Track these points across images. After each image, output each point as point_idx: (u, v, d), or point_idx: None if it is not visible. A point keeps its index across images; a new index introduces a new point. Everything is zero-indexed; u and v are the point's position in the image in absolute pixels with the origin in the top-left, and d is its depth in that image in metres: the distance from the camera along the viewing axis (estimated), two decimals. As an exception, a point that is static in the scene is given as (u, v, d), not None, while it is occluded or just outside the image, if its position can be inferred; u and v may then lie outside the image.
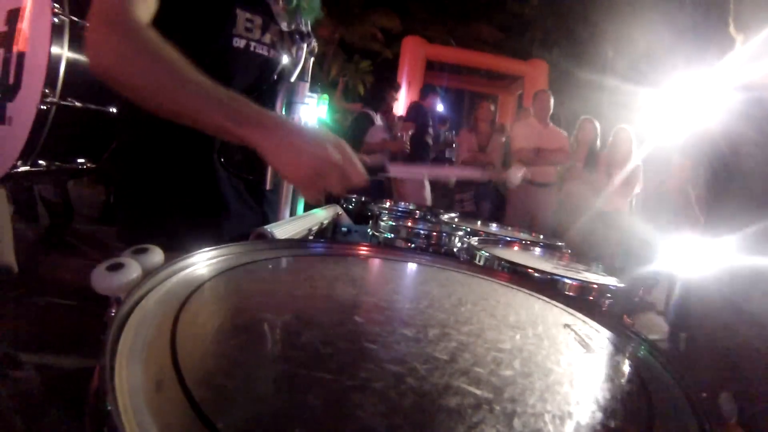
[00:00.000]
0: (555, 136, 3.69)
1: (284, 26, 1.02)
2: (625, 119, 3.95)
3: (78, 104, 1.26)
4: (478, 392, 0.33)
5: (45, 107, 1.19)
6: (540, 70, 8.91)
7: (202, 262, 0.51)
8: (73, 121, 1.29)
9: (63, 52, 1.21)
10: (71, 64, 1.24)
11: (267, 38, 0.99)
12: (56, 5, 1.18)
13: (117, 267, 0.43)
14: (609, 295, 0.78)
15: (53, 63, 1.20)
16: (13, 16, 1.26)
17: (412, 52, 8.01)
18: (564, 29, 11.08)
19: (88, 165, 1.41)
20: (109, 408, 0.23)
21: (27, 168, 1.24)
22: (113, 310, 0.33)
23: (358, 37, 11.55)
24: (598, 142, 3.65)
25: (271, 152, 0.68)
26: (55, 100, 1.19)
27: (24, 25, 1.24)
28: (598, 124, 3.66)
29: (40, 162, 1.26)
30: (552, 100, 3.70)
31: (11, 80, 1.26)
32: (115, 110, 1.28)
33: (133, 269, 0.43)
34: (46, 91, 1.18)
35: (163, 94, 0.74)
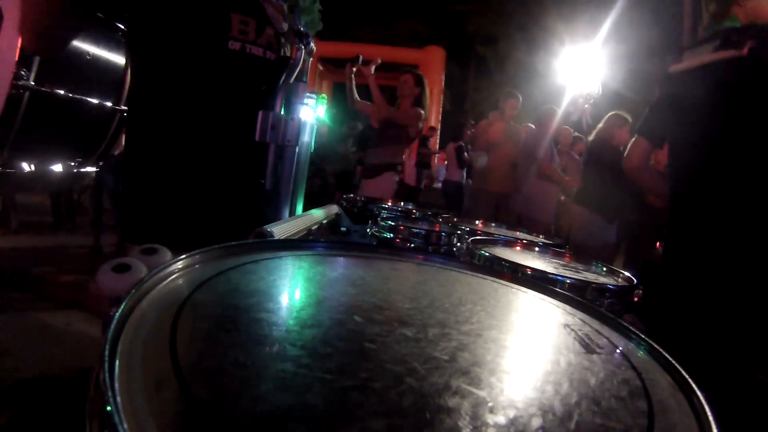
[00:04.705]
0: None
1: (281, 28, 1.03)
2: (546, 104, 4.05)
3: (61, 92, 1.08)
4: (478, 392, 0.33)
5: (17, 92, 0.98)
6: (436, 57, 8.85)
7: (202, 261, 0.51)
8: (55, 112, 1.10)
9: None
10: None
11: (263, 40, 0.99)
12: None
13: (123, 268, 0.43)
14: (608, 294, 0.78)
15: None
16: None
17: (304, 51, 8.16)
18: (493, 21, 11.20)
19: (79, 169, 1.23)
20: (109, 408, 0.23)
21: (-1, 169, 1.00)
22: (113, 310, 0.33)
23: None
24: None
25: None
26: (30, 83, 1.00)
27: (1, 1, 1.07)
28: None
29: (21, 164, 1.08)
30: None
31: (-20, 65, 1.07)
32: (109, 104, 1.12)
33: (139, 270, 0.43)
34: (21, 72, 0.98)
35: None
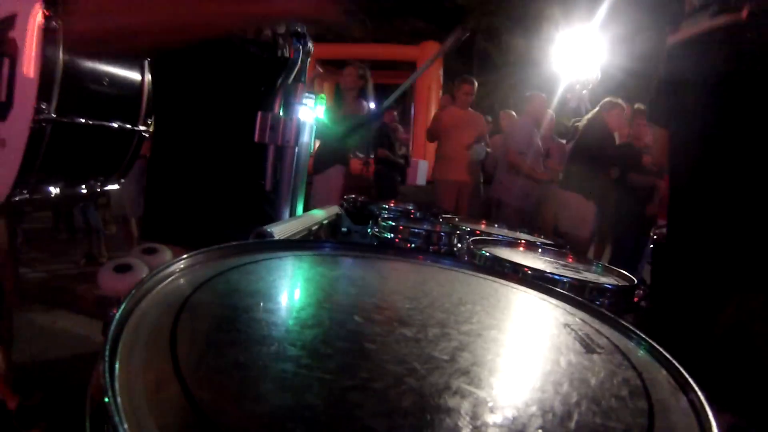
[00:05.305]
0: None
1: (280, 28, 1.03)
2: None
3: (81, 120, 1.10)
4: (478, 392, 0.33)
5: (39, 125, 1.03)
6: (432, 52, 8.80)
7: (203, 261, 0.51)
8: (77, 140, 1.14)
9: (58, 59, 1.06)
10: (70, 74, 1.08)
11: (263, 39, 1.00)
12: (47, 9, 1.04)
13: (125, 268, 0.43)
14: (608, 294, 0.78)
15: (47, 73, 1.05)
16: (5, 24, 1.12)
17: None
18: (493, 14, 11.09)
19: (102, 188, 1.27)
20: (110, 408, 0.23)
21: (25, 196, 1.08)
22: (113, 310, 0.33)
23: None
24: None
25: None
26: (51, 116, 1.04)
27: (15, 33, 1.09)
28: None
29: (48, 188, 1.11)
30: None
31: (2, 97, 1.11)
32: (129, 126, 1.16)
33: (140, 270, 0.43)
34: (41, 106, 1.03)
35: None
